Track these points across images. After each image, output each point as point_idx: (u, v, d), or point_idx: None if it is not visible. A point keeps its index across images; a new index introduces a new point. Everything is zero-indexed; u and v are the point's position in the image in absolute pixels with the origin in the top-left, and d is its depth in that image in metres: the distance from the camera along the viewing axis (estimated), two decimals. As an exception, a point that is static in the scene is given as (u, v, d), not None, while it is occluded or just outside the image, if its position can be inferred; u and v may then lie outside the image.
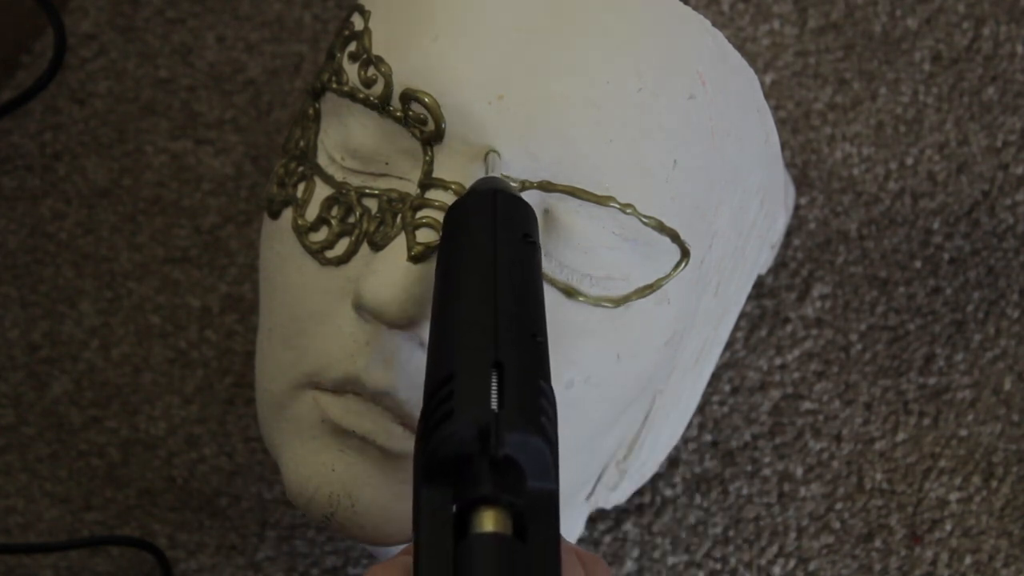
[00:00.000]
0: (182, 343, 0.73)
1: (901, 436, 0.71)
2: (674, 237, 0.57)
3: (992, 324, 0.72)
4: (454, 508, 0.44)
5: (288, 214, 0.59)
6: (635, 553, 0.69)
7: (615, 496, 0.66)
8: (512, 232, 0.50)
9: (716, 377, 0.71)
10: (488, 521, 0.43)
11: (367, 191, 0.57)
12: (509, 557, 0.43)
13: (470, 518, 0.44)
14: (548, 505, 0.45)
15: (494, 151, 0.55)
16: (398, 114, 0.56)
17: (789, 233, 0.74)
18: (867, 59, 0.78)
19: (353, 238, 0.56)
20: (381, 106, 0.56)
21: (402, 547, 0.59)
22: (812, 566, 0.68)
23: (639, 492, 0.69)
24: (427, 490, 0.45)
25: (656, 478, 0.70)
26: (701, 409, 0.71)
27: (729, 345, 0.72)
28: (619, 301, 0.57)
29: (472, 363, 0.46)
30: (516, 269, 0.49)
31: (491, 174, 0.54)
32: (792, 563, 0.68)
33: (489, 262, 0.49)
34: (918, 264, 0.74)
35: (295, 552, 0.69)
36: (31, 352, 0.73)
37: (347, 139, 0.57)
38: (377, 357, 0.55)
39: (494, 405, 0.45)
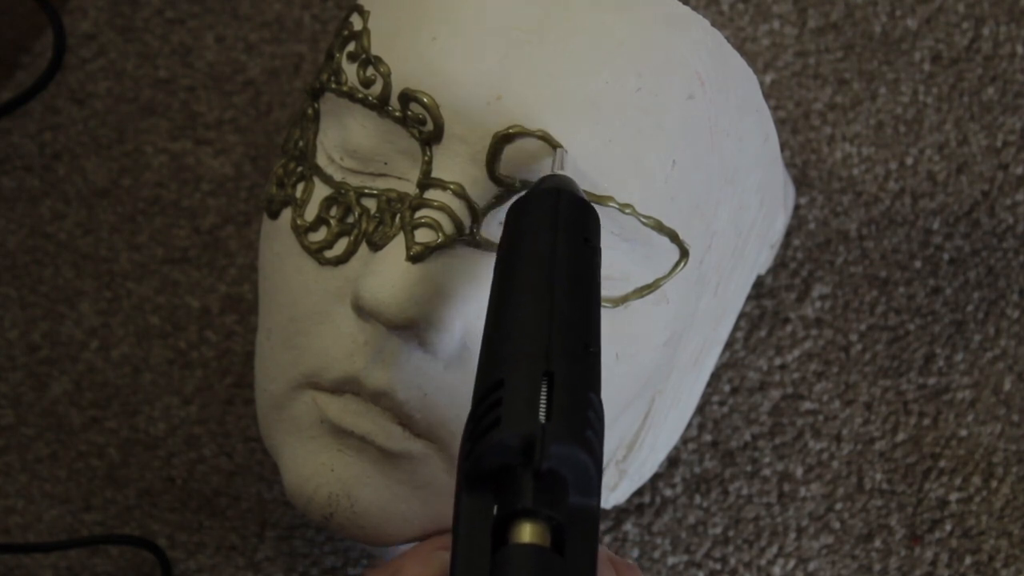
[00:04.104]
0: (182, 343, 0.73)
1: (901, 436, 0.71)
2: (673, 237, 0.56)
3: (992, 324, 0.72)
4: (494, 512, 0.44)
5: (287, 214, 0.59)
6: (635, 553, 0.69)
7: (615, 496, 0.66)
8: (573, 235, 0.49)
9: (716, 377, 0.71)
10: (527, 532, 0.43)
11: (366, 191, 0.57)
12: (545, 570, 0.43)
13: (509, 527, 0.43)
14: (588, 521, 0.45)
15: (562, 147, 0.54)
16: (397, 114, 0.56)
17: (789, 233, 0.74)
18: (867, 59, 0.78)
19: (352, 238, 0.56)
20: (380, 106, 0.56)
21: (403, 547, 0.59)
22: (812, 566, 0.68)
23: (639, 492, 0.69)
24: (468, 496, 0.45)
25: (656, 478, 0.70)
26: (701, 409, 0.71)
27: (729, 345, 0.72)
28: (618, 301, 0.56)
29: (523, 371, 0.45)
30: (574, 274, 0.48)
31: (556, 172, 0.53)
32: (792, 563, 0.68)
33: (547, 265, 0.48)
34: (918, 264, 0.74)
35: (295, 552, 0.69)
36: (31, 352, 0.73)
37: (346, 139, 0.57)
38: (376, 357, 0.55)
39: (542, 417, 0.44)
